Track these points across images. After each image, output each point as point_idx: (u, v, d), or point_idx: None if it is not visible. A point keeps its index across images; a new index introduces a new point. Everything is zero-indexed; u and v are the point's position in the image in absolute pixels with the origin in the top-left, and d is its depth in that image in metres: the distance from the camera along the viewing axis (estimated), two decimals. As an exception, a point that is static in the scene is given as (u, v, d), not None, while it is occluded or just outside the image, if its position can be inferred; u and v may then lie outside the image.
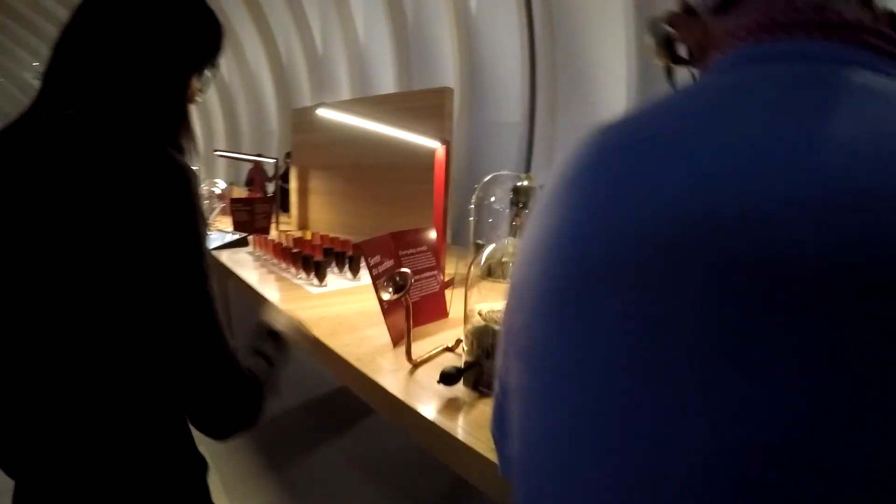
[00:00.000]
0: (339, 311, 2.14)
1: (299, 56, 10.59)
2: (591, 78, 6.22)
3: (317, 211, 4.31)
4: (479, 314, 1.55)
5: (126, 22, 0.87)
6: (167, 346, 0.82)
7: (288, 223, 4.44)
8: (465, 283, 1.57)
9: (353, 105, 3.93)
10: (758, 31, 0.49)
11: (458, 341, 1.71)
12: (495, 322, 1.49)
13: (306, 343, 1.38)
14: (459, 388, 1.45)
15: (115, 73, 0.85)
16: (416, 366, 1.58)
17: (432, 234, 2.06)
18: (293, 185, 4.35)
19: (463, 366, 1.47)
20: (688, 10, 0.58)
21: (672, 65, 0.67)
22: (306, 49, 10.35)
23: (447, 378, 1.39)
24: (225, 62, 13.13)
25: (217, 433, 0.89)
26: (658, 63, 0.68)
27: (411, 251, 1.95)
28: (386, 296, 1.52)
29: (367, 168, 3.67)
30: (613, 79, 5.95)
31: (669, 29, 0.62)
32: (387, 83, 8.36)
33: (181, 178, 0.80)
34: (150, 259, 0.78)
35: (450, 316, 2.09)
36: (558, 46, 6.47)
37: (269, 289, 2.50)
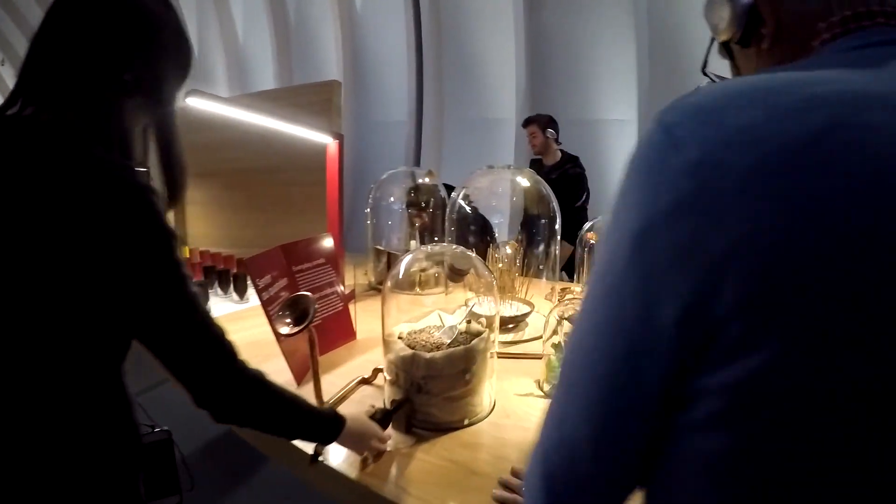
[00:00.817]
0: (254, 331, 1.79)
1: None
2: (479, 76, 6.14)
3: (195, 224, 3.81)
4: (401, 338, 1.28)
5: (90, 27, 0.87)
6: (154, 336, 0.86)
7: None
8: (381, 299, 1.29)
9: (232, 102, 3.53)
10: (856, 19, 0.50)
11: (376, 371, 1.43)
12: (425, 347, 1.22)
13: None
14: (388, 433, 1.16)
15: (70, 74, 0.86)
16: (327, 409, 1.28)
17: (328, 243, 1.76)
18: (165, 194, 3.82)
19: (389, 405, 1.19)
20: None
21: (734, 43, 0.61)
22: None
23: (376, 422, 1.12)
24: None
25: (219, 412, 0.90)
26: (719, 37, 0.63)
27: (306, 265, 1.65)
28: (284, 329, 1.21)
29: (249, 172, 3.27)
30: (502, 76, 5.87)
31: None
32: (267, 83, 7.87)
33: (134, 192, 0.80)
34: (114, 265, 0.79)
35: (358, 337, 1.80)
36: (445, 44, 6.34)
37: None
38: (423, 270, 2.52)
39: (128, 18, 0.89)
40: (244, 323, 2.01)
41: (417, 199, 2.64)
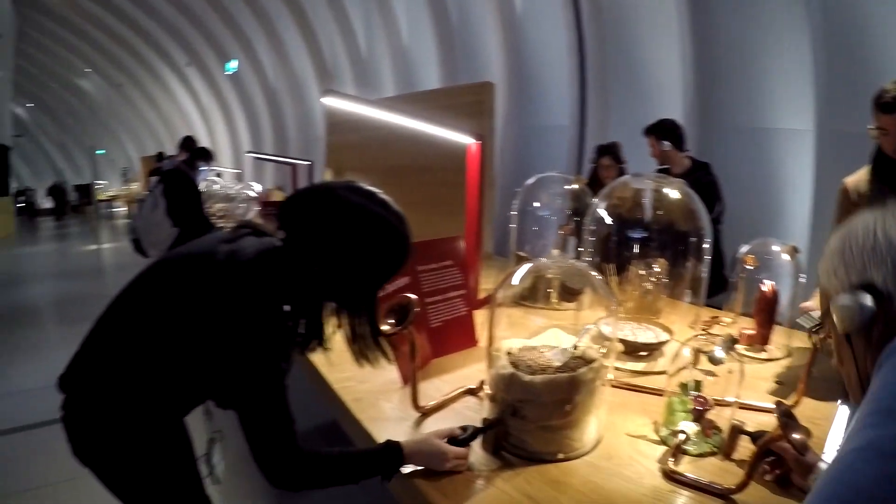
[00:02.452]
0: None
1: (343, 58, 10.43)
2: (645, 78, 5.79)
3: None
4: (509, 353, 1.23)
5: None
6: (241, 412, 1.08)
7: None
8: (490, 309, 1.24)
9: (390, 102, 3.65)
10: None
11: (483, 383, 1.38)
12: (529, 368, 1.16)
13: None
14: (475, 452, 1.12)
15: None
16: (424, 414, 1.27)
17: (461, 246, 1.74)
18: None
19: (481, 423, 1.14)
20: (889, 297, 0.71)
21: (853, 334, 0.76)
22: (350, 51, 10.18)
23: (458, 444, 1.08)
24: (270, 66, 13.13)
25: (275, 484, 1.07)
26: (841, 329, 0.76)
27: (433, 266, 1.64)
28: (385, 327, 1.20)
29: (401, 170, 3.37)
30: (669, 79, 5.47)
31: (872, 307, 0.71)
32: (431, 84, 8.08)
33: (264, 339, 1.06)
34: (234, 363, 1.08)
35: (480, 344, 1.76)
36: (609, 46, 6.05)
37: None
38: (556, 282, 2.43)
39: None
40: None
41: (568, 207, 2.56)
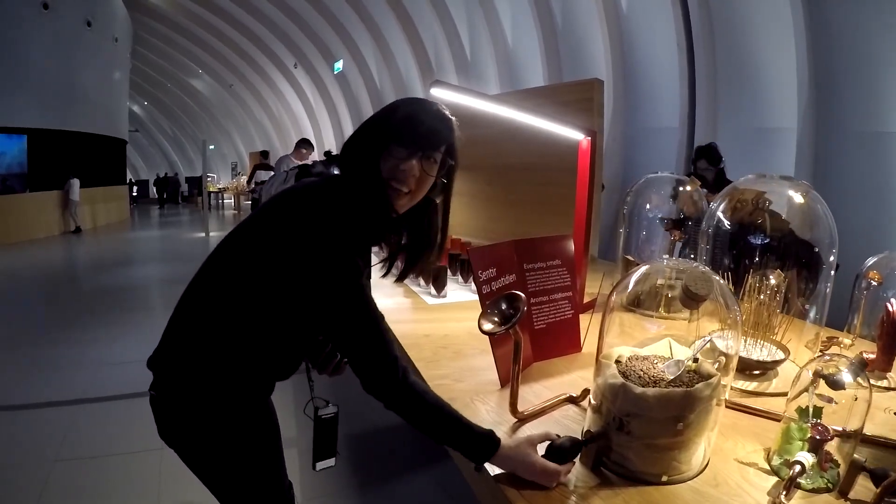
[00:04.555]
0: (449, 329, 1.81)
1: (448, 60, 10.53)
2: (756, 80, 5.51)
3: (456, 214, 3.94)
4: (618, 362, 1.15)
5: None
6: (329, 327, 1.16)
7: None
8: (602, 314, 1.17)
9: (497, 98, 3.60)
10: None
11: (586, 392, 1.31)
12: (640, 379, 1.07)
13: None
14: (567, 467, 1.04)
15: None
16: (521, 420, 1.21)
17: (569, 245, 1.66)
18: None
19: (583, 435, 1.07)
20: None
21: None
22: (455, 54, 10.26)
23: (555, 454, 1.02)
24: (376, 69, 13.45)
25: (364, 383, 1.10)
26: None
27: (540, 265, 1.57)
28: (488, 325, 1.15)
29: (509, 169, 3.32)
30: (781, 81, 5.18)
31: None
32: (536, 84, 8.00)
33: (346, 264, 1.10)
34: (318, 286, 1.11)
35: (584, 350, 1.68)
36: (718, 47, 5.81)
37: (381, 295, 2.22)
38: (670, 288, 2.30)
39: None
40: (475, 313, 2.00)
41: (681, 210, 2.42)
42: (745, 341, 1.67)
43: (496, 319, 1.15)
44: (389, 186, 1.16)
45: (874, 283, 1.77)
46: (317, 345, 1.37)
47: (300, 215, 1.13)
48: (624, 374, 1.08)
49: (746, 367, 1.59)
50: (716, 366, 1.13)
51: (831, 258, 1.69)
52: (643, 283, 1.23)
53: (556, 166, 2.86)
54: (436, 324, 1.87)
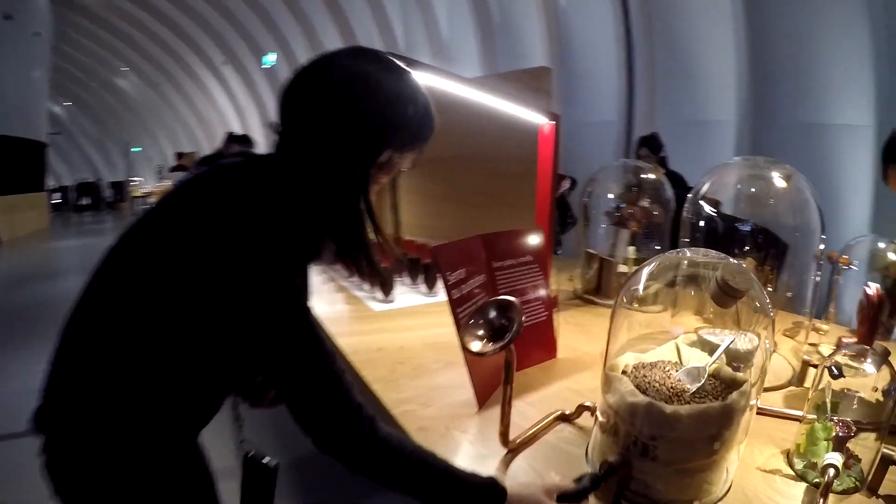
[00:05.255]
0: (404, 340, 1.57)
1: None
2: (695, 73, 5.57)
3: (401, 211, 3.70)
4: (625, 373, 0.94)
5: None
6: (275, 367, 0.85)
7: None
8: (611, 315, 0.96)
9: (437, 71, 3.38)
10: None
11: (581, 409, 1.10)
12: (659, 394, 0.87)
13: None
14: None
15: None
16: (513, 451, 0.98)
17: (538, 238, 1.46)
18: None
19: (599, 469, 0.86)
20: None
21: None
22: (388, 46, 9.99)
23: (575, 497, 0.82)
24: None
25: (318, 443, 0.84)
26: None
27: (510, 262, 1.36)
28: (475, 345, 0.92)
29: (450, 162, 3.09)
30: (719, 74, 5.27)
31: None
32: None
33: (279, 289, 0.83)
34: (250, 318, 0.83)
35: (559, 355, 1.48)
36: (657, 40, 5.86)
37: (321, 301, 1.97)
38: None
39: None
40: (428, 319, 1.79)
41: (635, 198, 2.26)
42: (719, 332, 1.53)
43: (482, 333, 0.92)
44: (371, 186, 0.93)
45: (844, 268, 1.66)
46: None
47: (216, 213, 0.85)
48: (641, 389, 0.88)
49: (735, 359, 1.43)
50: (741, 370, 0.96)
51: (821, 246, 1.55)
52: (662, 277, 1.03)
53: (504, 158, 2.65)
54: (388, 334, 1.63)
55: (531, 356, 1.38)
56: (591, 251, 2.24)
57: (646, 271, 1.00)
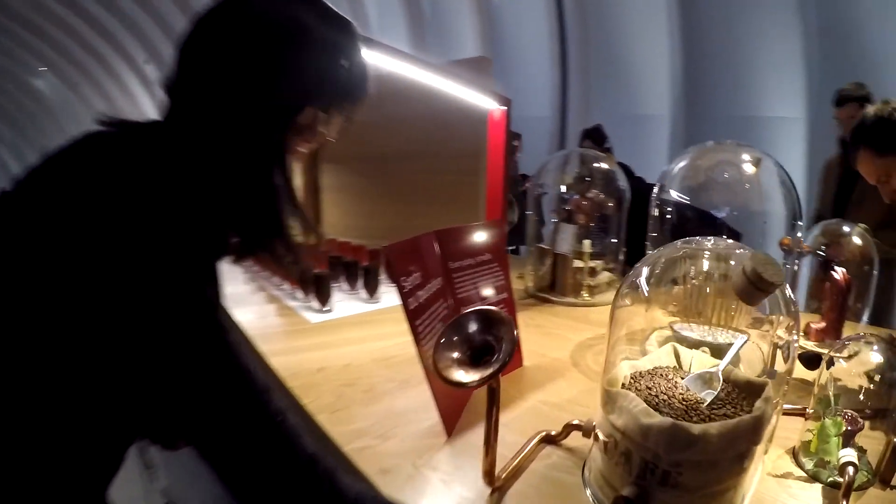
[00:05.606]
0: (348, 355, 1.37)
1: None
2: (629, 68, 5.61)
3: (329, 212, 3.43)
4: (624, 385, 0.79)
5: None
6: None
7: (292, 228, 3.66)
8: (610, 317, 0.81)
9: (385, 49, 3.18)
10: None
11: (569, 428, 0.94)
12: (670, 406, 0.73)
13: None
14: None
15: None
16: (498, 489, 0.80)
17: (499, 233, 1.29)
18: (298, 181, 3.52)
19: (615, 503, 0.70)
20: None
21: None
22: None
23: None
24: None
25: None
26: None
27: (468, 262, 1.18)
28: (458, 374, 0.72)
29: (385, 158, 2.90)
30: (654, 69, 5.33)
31: None
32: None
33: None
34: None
35: (525, 363, 1.32)
36: (591, 35, 5.85)
37: (249, 313, 1.74)
38: (592, 270, 2.01)
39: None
40: (373, 329, 1.60)
41: (586, 189, 2.14)
42: (697, 327, 1.42)
43: (459, 357, 0.74)
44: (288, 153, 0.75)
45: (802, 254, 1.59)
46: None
47: (79, 201, 0.62)
48: (653, 406, 0.73)
49: (716, 354, 1.31)
50: (763, 375, 0.82)
51: (798, 234, 1.46)
52: (673, 270, 0.88)
53: (444, 153, 2.49)
54: (329, 350, 1.42)
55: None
56: (542, 246, 2.10)
57: (645, 269, 0.85)
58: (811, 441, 0.89)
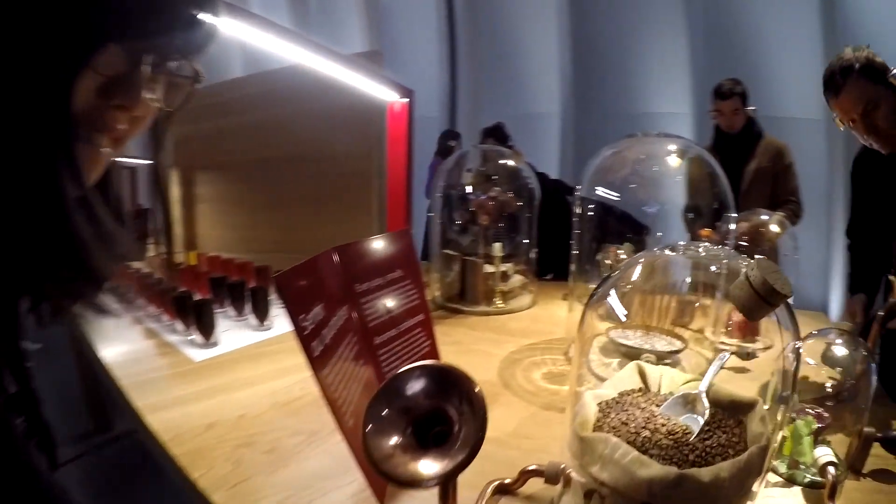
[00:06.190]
0: (243, 402, 1.14)
1: None
2: (519, 67, 5.65)
3: (207, 226, 3.11)
4: (599, 423, 0.65)
5: None
6: None
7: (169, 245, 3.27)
8: (579, 343, 0.67)
9: (240, 82, 2.94)
10: None
11: (525, 475, 0.78)
12: (649, 444, 0.60)
13: None
14: None
15: None
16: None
17: (409, 244, 1.12)
18: (175, 192, 3.12)
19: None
20: None
21: None
22: None
23: None
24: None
25: None
26: None
27: (377, 283, 1.00)
28: (410, 468, 0.53)
29: (267, 163, 2.63)
30: (544, 67, 5.41)
31: None
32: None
33: None
34: None
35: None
36: (481, 33, 5.85)
37: (120, 356, 1.46)
38: (504, 274, 1.89)
39: None
40: (270, 364, 1.37)
41: (490, 188, 2.01)
42: (634, 333, 1.32)
43: (399, 442, 0.55)
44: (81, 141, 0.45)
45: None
46: None
47: None
48: (634, 444, 0.59)
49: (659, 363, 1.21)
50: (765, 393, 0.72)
51: (732, 226, 1.39)
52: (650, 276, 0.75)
53: (334, 155, 2.29)
54: (219, 397, 1.18)
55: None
56: (448, 252, 1.95)
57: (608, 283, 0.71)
58: (782, 443, 0.84)
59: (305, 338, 0.73)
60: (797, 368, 0.61)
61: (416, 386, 0.57)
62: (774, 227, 1.59)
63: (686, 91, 4.74)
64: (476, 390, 0.56)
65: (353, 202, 2.19)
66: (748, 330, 1.42)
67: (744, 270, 0.59)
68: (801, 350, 0.66)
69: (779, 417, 0.63)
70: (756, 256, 0.61)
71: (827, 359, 0.93)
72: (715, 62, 4.53)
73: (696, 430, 0.62)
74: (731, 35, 4.55)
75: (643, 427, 0.63)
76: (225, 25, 1.01)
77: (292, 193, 2.54)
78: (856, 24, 4.24)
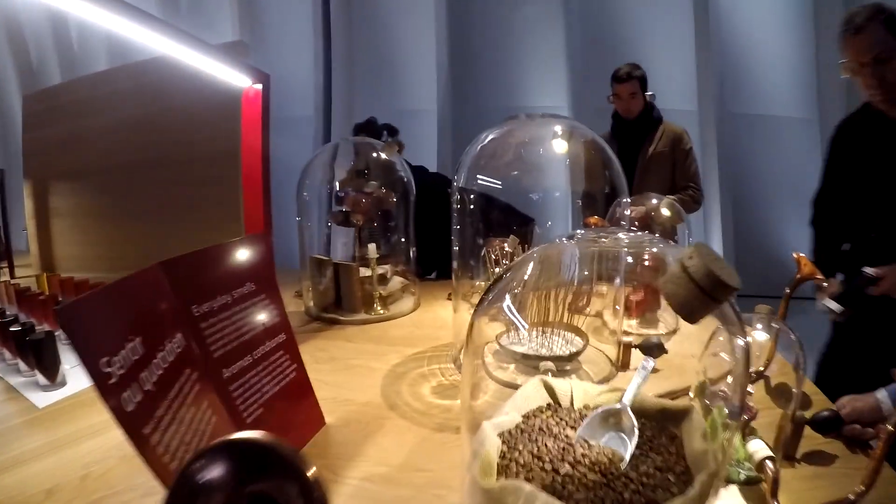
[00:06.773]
0: (87, 457, 0.89)
1: (47, 34, 8.41)
2: (395, 64, 5.56)
3: (64, 243, 2.68)
4: (505, 465, 0.50)
5: None
6: None
7: (28, 265, 2.83)
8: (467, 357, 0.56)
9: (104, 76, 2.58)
10: None
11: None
12: (586, 487, 0.46)
13: None
14: None
15: None
16: None
17: (263, 252, 0.93)
18: (28, 206, 2.75)
19: None
20: None
21: None
22: (56, 27, 8.24)
23: None
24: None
25: None
26: None
27: (222, 301, 0.80)
28: None
29: (124, 170, 2.31)
30: (420, 64, 5.36)
31: None
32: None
33: None
34: None
35: (328, 420, 0.98)
36: (357, 31, 5.69)
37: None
38: (382, 277, 1.74)
39: None
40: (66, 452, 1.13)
41: (361, 184, 1.84)
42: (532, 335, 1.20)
43: None
44: None
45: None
46: None
47: None
48: (559, 495, 0.45)
49: (561, 368, 1.09)
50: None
51: (627, 212, 1.30)
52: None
53: (199, 157, 2.04)
54: (62, 452, 0.92)
55: (291, 437, 0.87)
56: (318, 256, 1.76)
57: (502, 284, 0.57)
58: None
59: (110, 388, 0.53)
60: (746, 370, 0.50)
61: (217, 474, 0.40)
62: (665, 211, 1.54)
63: (563, 86, 4.83)
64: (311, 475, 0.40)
65: (222, 209, 1.96)
66: (646, 307, 1.38)
67: (678, 259, 0.46)
68: (748, 347, 0.54)
69: (722, 429, 0.51)
70: (694, 242, 0.49)
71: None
72: (591, 57, 4.65)
73: (627, 455, 0.50)
74: (608, 30, 4.68)
75: (560, 460, 0.49)
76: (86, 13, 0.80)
77: (157, 203, 2.25)
78: (727, 21, 4.52)
